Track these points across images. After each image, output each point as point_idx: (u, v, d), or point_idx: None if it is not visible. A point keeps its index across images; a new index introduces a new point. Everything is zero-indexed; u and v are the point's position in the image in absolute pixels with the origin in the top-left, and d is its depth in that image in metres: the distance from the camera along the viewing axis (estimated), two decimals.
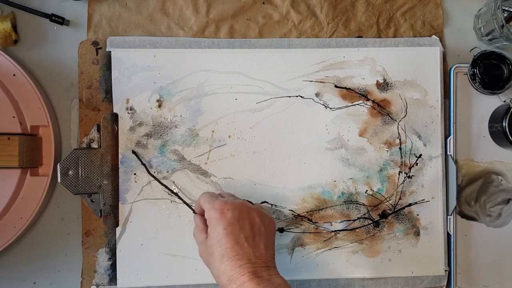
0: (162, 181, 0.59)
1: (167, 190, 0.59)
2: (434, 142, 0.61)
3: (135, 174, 0.59)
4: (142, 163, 0.59)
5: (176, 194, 0.59)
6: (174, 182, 0.59)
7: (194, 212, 0.56)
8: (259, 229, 0.49)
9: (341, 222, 0.61)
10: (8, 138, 0.54)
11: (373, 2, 0.62)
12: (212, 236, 0.48)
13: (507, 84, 0.60)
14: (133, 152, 0.58)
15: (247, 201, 0.53)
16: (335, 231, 0.61)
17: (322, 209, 0.61)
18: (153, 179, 0.59)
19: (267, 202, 0.60)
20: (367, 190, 0.61)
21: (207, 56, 0.60)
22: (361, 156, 0.61)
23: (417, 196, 0.61)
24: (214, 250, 0.47)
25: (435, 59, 0.62)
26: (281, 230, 0.60)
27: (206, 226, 0.50)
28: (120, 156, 0.59)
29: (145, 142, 0.59)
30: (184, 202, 0.59)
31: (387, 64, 0.61)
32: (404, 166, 0.61)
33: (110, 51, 0.59)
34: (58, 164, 0.56)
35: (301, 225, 0.60)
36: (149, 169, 0.59)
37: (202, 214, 0.52)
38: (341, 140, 0.61)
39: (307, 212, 0.60)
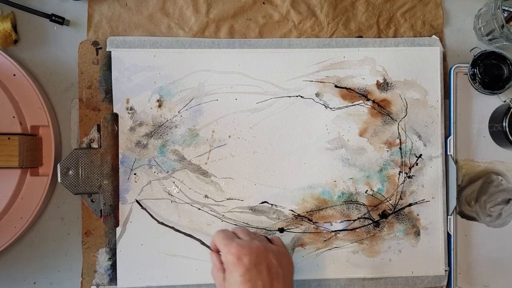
0: (162, 181, 0.59)
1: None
2: (434, 142, 0.61)
3: (135, 174, 0.59)
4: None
5: (190, 235, 0.58)
6: (174, 182, 0.59)
7: (210, 249, 0.54)
8: (277, 272, 0.49)
9: (341, 222, 0.61)
10: (8, 138, 0.54)
11: (373, 2, 0.62)
12: (230, 281, 0.48)
13: (507, 84, 0.60)
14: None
15: (265, 236, 0.53)
16: (335, 231, 0.61)
17: (322, 209, 0.61)
18: (153, 179, 0.59)
19: (267, 202, 0.60)
20: (367, 190, 0.61)
21: (207, 56, 0.60)
22: (361, 156, 0.61)
23: (417, 196, 0.61)
24: None
25: (435, 59, 0.62)
26: (281, 230, 0.60)
27: (223, 263, 0.50)
28: (120, 156, 0.59)
29: (145, 142, 0.59)
30: (199, 241, 0.57)
31: (387, 64, 0.61)
32: (404, 166, 0.61)
33: (110, 51, 0.59)
34: (58, 164, 0.56)
35: (301, 225, 0.60)
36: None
37: (217, 251, 0.52)
38: (341, 140, 0.61)
39: (307, 212, 0.60)
